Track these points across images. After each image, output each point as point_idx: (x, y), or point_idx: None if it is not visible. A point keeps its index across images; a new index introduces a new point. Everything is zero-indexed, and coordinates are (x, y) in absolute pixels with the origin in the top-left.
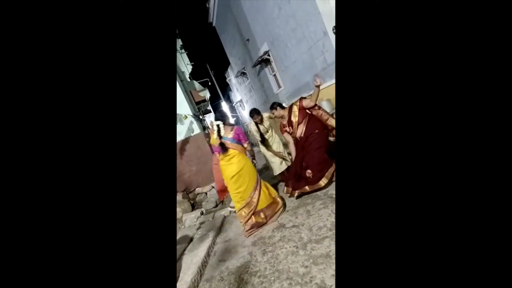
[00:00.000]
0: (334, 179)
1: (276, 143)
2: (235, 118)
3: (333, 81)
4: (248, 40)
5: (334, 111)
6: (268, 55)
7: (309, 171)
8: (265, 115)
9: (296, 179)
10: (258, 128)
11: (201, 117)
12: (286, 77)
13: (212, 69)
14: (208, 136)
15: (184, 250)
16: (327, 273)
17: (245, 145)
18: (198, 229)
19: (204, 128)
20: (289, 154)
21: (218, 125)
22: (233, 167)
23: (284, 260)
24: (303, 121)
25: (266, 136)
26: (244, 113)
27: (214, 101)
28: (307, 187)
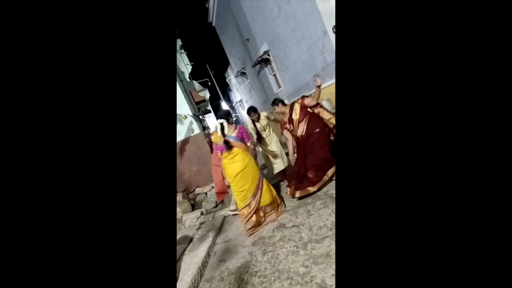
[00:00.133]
0: (334, 177)
1: (274, 142)
2: (235, 118)
3: (333, 80)
4: (247, 40)
5: (334, 110)
6: (268, 55)
7: (312, 171)
8: (264, 114)
9: (298, 180)
10: (255, 126)
11: (201, 117)
12: (286, 76)
13: (212, 69)
14: (208, 136)
15: (184, 250)
16: (328, 273)
17: (248, 143)
18: (198, 229)
19: (204, 128)
20: (287, 154)
21: (221, 123)
22: (236, 165)
23: (285, 260)
24: (304, 119)
25: (264, 135)
26: (244, 113)
27: (214, 101)
28: (309, 188)
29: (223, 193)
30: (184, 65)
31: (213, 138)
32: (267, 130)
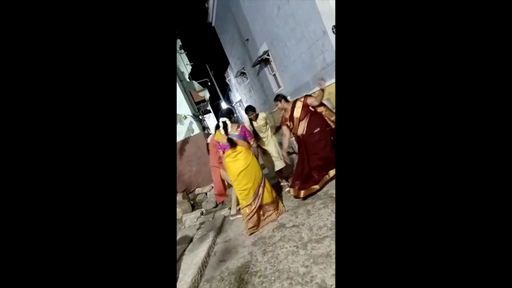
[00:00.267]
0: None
1: (272, 143)
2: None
3: (333, 80)
4: (247, 40)
5: (334, 110)
6: (268, 55)
7: (315, 171)
8: (263, 115)
9: (303, 179)
10: (252, 124)
11: (200, 117)
12: (286, 76)
13: (212, 69)
14: (208, 136)
15: (184, 250)
16: (328, 273)
17: (251, 142)
18: (198, 229)
19: (204, 128)
20: (283, 155)
21: (224, 122)
22: (239, 163)
23: (285, 260)
24: (305, 118)
25: (262, 135)
26: (244, 113)
27: (214, 101)
28: (314, 187)
29: (223, 195)
30: (184, 65)
31: (215, 137)
32: (265, 131)
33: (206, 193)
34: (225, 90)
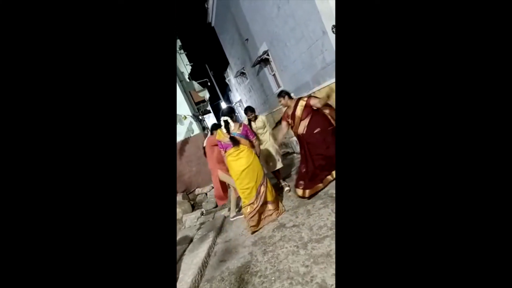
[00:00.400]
0: None
1: (270, 145)
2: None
3: (333, 80)
4: (247, 40)
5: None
6: (267, 55)
7: (318, 171)
8: (262, 118)
9: (308, 178)
10: (250, 125)
11: (200, 117)
12: (286, 76)
13: (212, 70)
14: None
15: (185, 250)
16: (328, 273)
17: (254, 140)
18: (198, 229)
19: (203, 128)
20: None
21: (226, 121)
22: (242, 162)
23: (285, 259)
24: (306, 118)
25: (260, 136)
26: (243, 114)
27: (214, 102)
28: (319, 185)
29: (223, 199)
30: (184, 65)
31: (216, 136)
32: (262, 134)
33: (206, 193)
34: (225, 90)
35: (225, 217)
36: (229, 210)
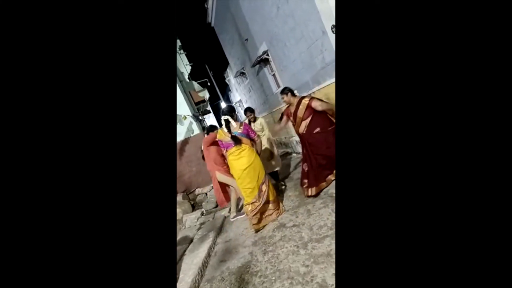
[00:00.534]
0: None
1: (268, 146)
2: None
3: (332, 80)
4: (247, 40)
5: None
6: (267, 55)
7: (320, 169)
8: (261, 120)
9: (313, 176)
10: (249, 125)
11: (200, 117)
12: (285, 76)
13: (211, 70)
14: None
15: (185, 251)
16: (328, 272)
17: (256, 137)
18: (198, 229)
19: (203, 128)
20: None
21: (226, 120)
22: (243, 160)
23: (285, 259)
24: (307, 118)
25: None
26: (243, 114)
27: (214, 102)
28: (323, 184)
29: (223, 202)
30: (184, 65)
31: (217, 135)
32: (261, 138)
33: (206, 193)
34: (225, 90)
35: (225, 217)
36: (229, 211)
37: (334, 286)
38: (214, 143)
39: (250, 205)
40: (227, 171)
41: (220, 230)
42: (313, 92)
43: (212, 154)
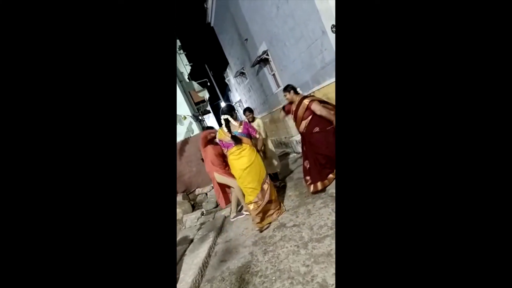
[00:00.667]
0: None
1: (266, 147)
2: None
3: (332, 79)
4: (246, 40)
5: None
6: (267, 55)
7: (322, 168)
8: (258, 121)
9: (317, 172)
10: None
11: (200, 117)
12: (285, 76)
13: (211, 70)
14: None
15: (185, 251)
16: (329, 272)
17: (257, 135)
18: (198, 229)
19: (203, 128)
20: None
21: (226, 119)
22: (244, 160)
23: (285, 259)
24: (307, 118)
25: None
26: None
27: (213, 102)
28: (326, 181)
29: (224, 203)
30: (183, 65)
31: (218, 135)
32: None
33: (206, 194)
34: (225, 90)
35: (225, 217)
36: (229, 213)
37: (335, 286)
38: (211, 142)
39: (252, 204)
40: (226, 171)
41: (220, 230)
42: (313, 92)
43: (210, 154)
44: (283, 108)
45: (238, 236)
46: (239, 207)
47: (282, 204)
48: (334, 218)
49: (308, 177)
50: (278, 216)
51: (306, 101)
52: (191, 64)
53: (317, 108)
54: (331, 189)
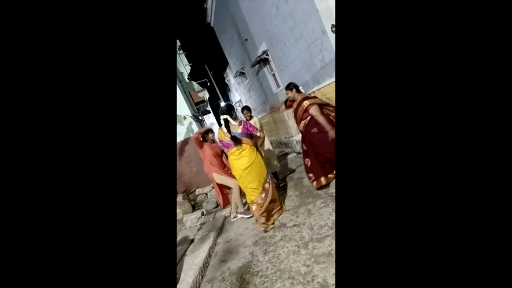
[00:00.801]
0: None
1: (265, 144)
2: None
3: (332, 79)
4: (246, 40)
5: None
6: (267, 55)
7: (322, 167)
8: (255, 120)
9: (319, 167)
10: None
11: (200, 117)
12: (285, 76)
13: (211, 70)
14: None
15: (185, 251)
16: (329, 272)
17: (259, 133)
18: (199, 230)
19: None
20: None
21: (225, 119)
22: (244, 160)
23: (286, 259)
24: (306, 119)
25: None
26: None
27: (213, 102)
28: (329, 176)
29: (225, 204)
30: (183, 66)
31: (218, 135)
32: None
33: (206, 194)
34: (225, 90)
35: (225, 217)
36: (229, 214)
37: (335, 286)
38: (205, 141)
39: (254, 204)
40: (225, 171)
41: (220, 230)
42: (313, 92)
43: (207, 155)
44: (285, 102)
45: (238, 236)
46: (246, 207)
47: (283, 204)
48: (334, 218)
49: (311, 174)
50: (279, 216)
51: (305, 103)
52: (191, 64)
53: (314, 113)
54: (331, 189)
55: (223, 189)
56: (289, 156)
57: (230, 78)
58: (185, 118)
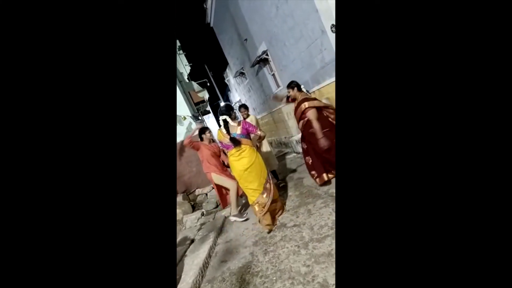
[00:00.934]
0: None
1: (264, 144)
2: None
3: (332, 79)
4: (246, 40)
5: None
6: (267, 55)
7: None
8: (252, 118)
9: (320, 164)
10: None
11: (200, 118)
12: (285, 76)
13: (211, 70)
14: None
15: (185, 251)
16: (329, 272)
17: (259, 132)
18: (199, 230)
19: None
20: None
21: (225, 120)
22: (244, 161)
23: (286, 259)
24: (304, 119)
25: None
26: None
27: (213, 102)
28: (331, 175)
29: (225, 204)
30: (183, 66)
31: (217, 136)
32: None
33: (206, 194)
34: (224, 90)
35: (225, 218)
36: (229, 213)
37: (335, 286)
38: (201, 140)
39: (256, 205)
40: (223, 171)
41: (220, 230)
42: (313, 92)
43: (205, 155)
44: (287, 97)
45: (238, 237)
46: (239, 209)
47: (284, 204)
48: (334, 218)
49: (313, 172)
50: (279, 216)
51: (303, 106)
52: (191, 64)
53: (311, 117)
54: (331, 189)
55: (223, 190)
56: (289, 156)
57: (230, 78)
58: (185, 118)
